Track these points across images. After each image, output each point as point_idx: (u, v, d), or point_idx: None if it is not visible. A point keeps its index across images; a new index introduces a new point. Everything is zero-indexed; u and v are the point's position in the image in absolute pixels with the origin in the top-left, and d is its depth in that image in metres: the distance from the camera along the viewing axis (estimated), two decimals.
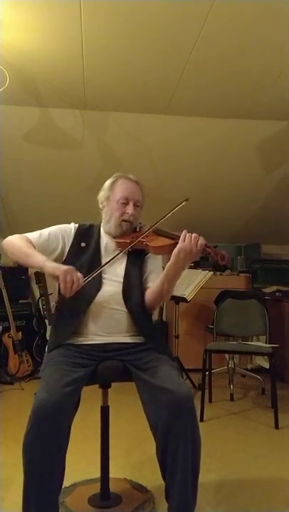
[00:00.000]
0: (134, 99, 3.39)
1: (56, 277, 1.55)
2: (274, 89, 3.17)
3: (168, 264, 1.67)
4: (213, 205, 4.59)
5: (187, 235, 1.60)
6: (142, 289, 1.81)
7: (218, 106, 3.47)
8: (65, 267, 1.56)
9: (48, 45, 2.69)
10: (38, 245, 1.75)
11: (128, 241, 1.77)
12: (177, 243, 1.64)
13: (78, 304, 1.71)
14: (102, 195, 1.88)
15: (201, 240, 1.60)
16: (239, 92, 3.26)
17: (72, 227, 1.87)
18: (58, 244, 1.80)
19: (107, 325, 1.74)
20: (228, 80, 3.07)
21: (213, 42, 2.64)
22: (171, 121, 3.67)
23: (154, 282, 1.81)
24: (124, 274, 1.79)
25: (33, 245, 1.73)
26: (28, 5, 2.33)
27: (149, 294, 1.79)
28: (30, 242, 1.74)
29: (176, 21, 2.45)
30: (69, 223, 1.89)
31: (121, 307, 1.75)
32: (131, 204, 1.81)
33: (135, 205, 1.82)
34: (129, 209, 1.80)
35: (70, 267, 1.58)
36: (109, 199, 1.84)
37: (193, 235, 1.60)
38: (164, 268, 1.74)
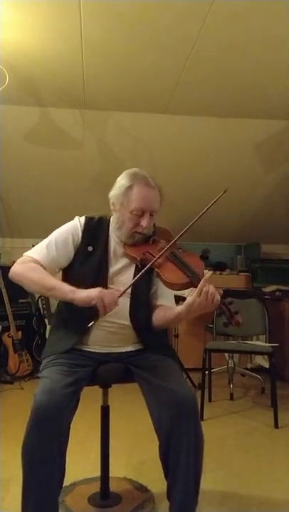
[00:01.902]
0: (133, 99, 3.39)
1: (92, 305, 1.47)
2: (274, 88, 3.17)
3: (180, 309, 1.60)
4: (213, 205, 4.58)
5: (204, 289, 1.49)
6: (150, 304, 1.73)
7: (218, 105, 3.47)
8: (96, 292, 1.47)
9: (47, 44, 2.69)
10: (48, 264, 1.64)
11: (138, 258, 1.64)
12: (191, 283, 1.55)
13: (82, 315, 1.58)
14: (114, 196, 1.69)
15: (217, 297, 1.50)
16: (239, 92, 3.25)
17: (78, 224, 1.71)
18: (70, 251, 1.69)
19: (111, 338, 1.68)
20: (228, 79, 3.07)
21: (212, 41, 2.63)
22: (171, 120, 3.67)
23: (161, 299, 1.74)
24: (132, 287, 1.65)
25: (42, 265, 1.62)
26: (27, 4, 2.33)
27: (155, 319, 1.71)
28: (38, 264, 1.62)
29: (176, 21, 2.45)
30: (68, 228, 1.74)
31: (127, 322, 1.68)
32: (146, 215, 1.64)
33: (150, 215, 1.66)
34: (144, 222, 1.64)
35: (99, 290, 1.49)
36: (123, 205, 1.65)
37: (210, 291, 1.49)
38: None
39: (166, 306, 1.73)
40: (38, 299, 4.64)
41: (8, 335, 4.15)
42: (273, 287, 4.43)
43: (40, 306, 4.56)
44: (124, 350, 1.70)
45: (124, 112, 3.59)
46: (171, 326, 1.73)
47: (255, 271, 4.76)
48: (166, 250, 1.61)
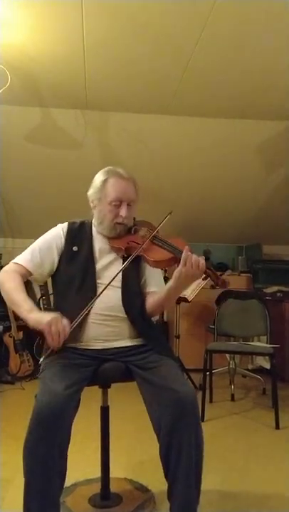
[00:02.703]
0: (135, 100, 3.39)
1: (41, 331, 1.46)
2: (275, 89, 3.17)
3: (168, 284, 1.63)
4: (214, 206, 4.59)
5: (188, 257, 1.53)
6: (142, 294, 1.77)
7: (220, 106, 3.47)
8: (47, 318, 1.45)
9: (49, 45, 2.69)
10: (33, 269, 1.70)
11: (123, 247, 1.70)
12: (176, 258, 1.59)
13: (76, 311, 1.60)
14: (92, 194, 1.78)
15: (202, 263, 1.54)
16: (240, 92, 3.26)
17: (61, 231, 1.78)
18: (53, 256, 1.74)
19: (106, 332, 1.69)
20: (229, 80, 3.07)
21: (214, 42, 2.64)
22: (173, 121, 3.67)
23: (152, 287, 1.77)
24: (122, 278, 1.70)
25: (28, 271, 1.69)
26: (29, 5, 2.34)
27: (148, 305, 1.75)
28: (21, 271, 1.68)
29: (178, 22, 2.45)
30: (52, 234, 1.80)
31: (121, 314, 1.69)
32: (124, 205, 1.72)
33: (128, 205, 1.74)
34: (123, 211, 1.72)
35: (54, 316, 1.46)
36: (101, 200, 1.74)
37: (194, 258, 1.53)
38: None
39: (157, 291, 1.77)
40: (39, 299, 4.64)
41: (9, 335, 4.15)
42: (274, 288, 4.43)
43: (42, 306, 4.56)
44: (121, 345, 1.70)
45: (126, 113, 3.59)
46: (165, 307, 1.77)
47: (256, 272, 4.76)
48: (150, 237, 1.69)
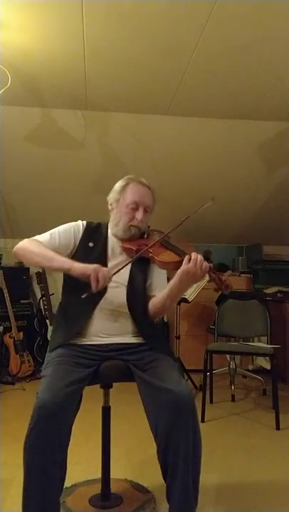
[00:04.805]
0: (135, 100, 3.39)
1: (87, 276, 1.56)
2: (276, 89, 3.17)
3: (171, 282, 1.68)
4: (214, 206, 4.58)
5: (192, 257, 1.59)
6: (146, 294, 1.81)
7: (220, 106, 3.47)
8: (93, 266, 1.58)
9: (49, 45, 2.69)
10: (50, 247, 1.74)
11: (134, 248, 1.75)
12: (183, 261, 1.63)
13: (83, 306, 1.70)
14: (112, 197, 1.85)
15: (206, 264, 1.59)
16: (241, 93, 3.26)
17: (81, 224, 1.85)
18: (70, 242, 1.79)
19: (110, 327, 1.74)
20: (230, 80, 3.07)
21: (215, 42, 2.64)
22: (173, 121, 3.67)
23: (157, 291, 1.80)
24: (129, 278, 1.78)
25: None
26: (29, 5, 2.34)
27: (151, 306, 1.79)
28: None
29: (178, 22, 2.45)
30: (71, 223, 1.88)
31: (125, 310, 1.75)
32: (141, 209, 1.79)
33: (145, 211, 1.80)
34: (139, 215, 1.79)
35: (97, 265, 1.60)
36: (119, 202, 1.81)
37: (199, 258, 1.59)
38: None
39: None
40: (39, 300, 4.64)
41: (9, 335, 4.16)
42: (275, 289, 4.43)
43: (42, 306, 4.57)
44: (122, 341, 1.73)
45: (126, 113, 3.59)
46: (166, 307, 1.79)
47: (256, 272, 4.76)
48: (161, 239, 1.75)
